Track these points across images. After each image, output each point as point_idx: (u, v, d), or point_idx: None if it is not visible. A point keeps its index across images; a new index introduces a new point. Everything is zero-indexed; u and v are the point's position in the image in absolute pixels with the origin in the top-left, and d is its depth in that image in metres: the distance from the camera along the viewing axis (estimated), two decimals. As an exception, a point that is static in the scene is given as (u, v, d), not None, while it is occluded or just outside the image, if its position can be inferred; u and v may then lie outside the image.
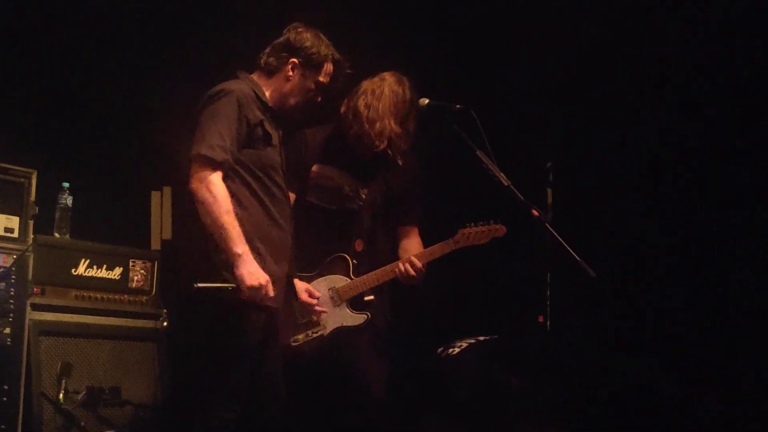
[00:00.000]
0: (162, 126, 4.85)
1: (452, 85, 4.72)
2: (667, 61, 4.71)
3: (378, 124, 4.13)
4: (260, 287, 3.50)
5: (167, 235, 4.91)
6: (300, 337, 4.15)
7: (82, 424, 4.12)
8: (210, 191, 3.52)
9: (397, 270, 4.14)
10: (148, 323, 4.63)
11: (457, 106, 3.73)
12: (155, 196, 4.93)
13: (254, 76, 3.86)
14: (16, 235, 4.19)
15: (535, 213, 3.51)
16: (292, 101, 3.85)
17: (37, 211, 4.26)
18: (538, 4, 4.96)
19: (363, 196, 4.27)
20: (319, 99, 3.90)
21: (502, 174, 3.61)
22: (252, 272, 3.50)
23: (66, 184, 4.50)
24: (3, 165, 4.19)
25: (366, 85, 4.23)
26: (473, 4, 5.14)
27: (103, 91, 5.12)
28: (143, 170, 5.05)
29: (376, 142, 4.15)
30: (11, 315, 4.08)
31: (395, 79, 4.22)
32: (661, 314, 4.66)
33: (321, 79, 3.85)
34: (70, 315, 4.37)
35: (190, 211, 3.66)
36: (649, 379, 4.48)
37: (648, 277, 4.71)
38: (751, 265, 4.44)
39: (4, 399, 4.00)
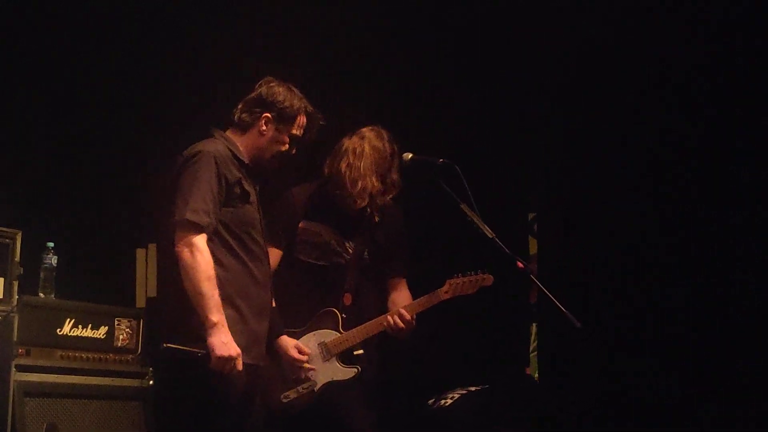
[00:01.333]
0: (145, 182, 4.86)
1: (432, 132, 4.78)
2: (666, 61, 4.73)
3: (360, 183, 4.14)
4: (230, 359, 3.49)
5: (152, 292, 4.93)
6: (290, 393, 4.09)
7: None
8: (194, 256, 3.53)
9: (386, 322, 4.10)
10: (134, 382, 4.60)
11: (441, 160, 3.76)
12: (140, 253, 4.98)
13: (228, 134, 3.86)
14: (0, 296, 4.22)
15: (521, 265, 3.52)
16: (267, 155, 3.86)
17: (22, 272, 4.28)
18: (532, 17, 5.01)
19: (350, 250, 4.26)
20: (294, 152, 3.91)
21: (486, 227, 3.62)
22: (225, 343, 3.50)
23: (50, 244, 4.50)
24: None
25: (347, 144, 4.24)
26: (450, 39, 5.19)
27: (85, 149, 5.17)
28: (128, 228, 5.07)
29: (358, 201, 4.15)
30: None
31: (375, 135, 4.24)
32: (661, 320, 4.62)
33: (294, 131, 3.86)
34: (56, 375, 4.34)
35: (171, 271, 3.65)
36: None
37: (647, 278, 4.68)
38: (751, 266, 4.42)
39: None
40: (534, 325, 3.81)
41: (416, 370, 4.66)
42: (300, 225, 4.26)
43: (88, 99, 5.19)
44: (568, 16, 4.91)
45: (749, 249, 4.43)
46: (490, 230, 3.62)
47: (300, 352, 4.05)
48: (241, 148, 3.83)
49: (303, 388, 4.10)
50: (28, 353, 4.23)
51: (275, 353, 4.04)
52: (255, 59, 4.57)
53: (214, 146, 3.73)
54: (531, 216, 4.05)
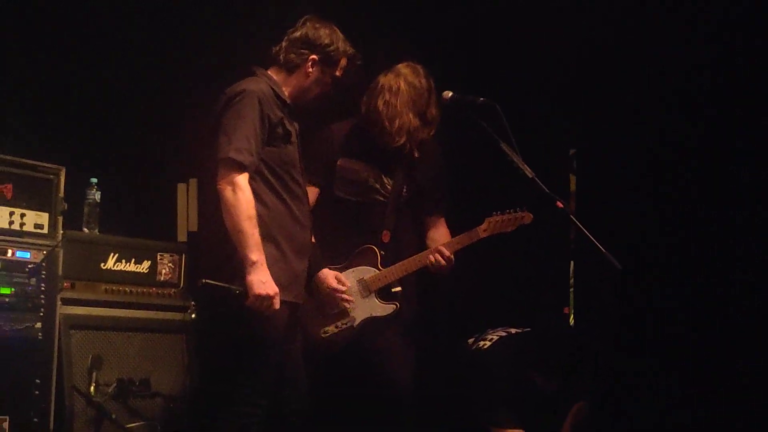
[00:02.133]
0: (186, 118, 4.85)
1: (473, 75, 4.71)
2: (668, 60, 4.61)
3: (398, 121, 4.17)
4: (267, 297, 3.55)
5: (194, 227, 4.91)
6: (329, 328, 4.19)
7: (113, 416, 4.15)
8: (236, 195, 3.58)
9: (426, 260, 4.16)
10: (176, 316, 4.66)
11: (481, 99, 3.73)
12: (181, 188, 4.95)
13: (271, 72, 3.91)
14: (45, 231, 4.24)
15: (560, 204, 3.51)
16: (310, 96, 3.94)
17: (66, 207, 4.30)
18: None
19: (388, 187, 4.30)
20: (332, 91, 3.99)
21: (526, 166, 3.60)
22: (263, 282, 3.55)
23: (94, 180, 4.55)
24: (32, 162, 4.25)
25: (383, 81, 4.26)
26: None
27: (127, 86, 5.17)
28: (169, 163, 5.08)
29: (396, 138, 4.18)
30: (42, 310, 4.14)
31: (410, 71, 4.26)
32: (661, 313, 4.54)
33: (337, 73, 3.94)
34: (100, 309, 4.42)
35: (213, 208, 3.72)
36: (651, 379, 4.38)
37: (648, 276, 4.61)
38: (751, 266, 4.31)
39: (36, 392, 4.07)
40: (572, 262, 3.82)
41: (455, 308, 4.67)
42: (338, 162, 4.30)
43: (131, 35, 5.17)
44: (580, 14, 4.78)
45: (749, 249, 4.31)
46: (530, 170, 3.60)
47: (339, 286, 4.10)
48: (283, 88, 3.87)
49: (342, 323, 4.19)
50: (73, 287, 4.31)
51: (315, 289, 4.12)
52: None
53: (257, 85, 3.77)
54: (572, 152, 4.01)
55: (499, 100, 3.71)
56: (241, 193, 3.58)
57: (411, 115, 4.18)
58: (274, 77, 3.88)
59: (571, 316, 3.72)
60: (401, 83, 4.22)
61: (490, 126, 3.68)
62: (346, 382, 4.30)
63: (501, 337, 4.19)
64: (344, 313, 4.19)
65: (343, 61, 3.93)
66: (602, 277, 3.70)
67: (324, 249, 4.19)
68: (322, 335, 4.19)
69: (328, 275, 4.13)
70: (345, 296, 4.13)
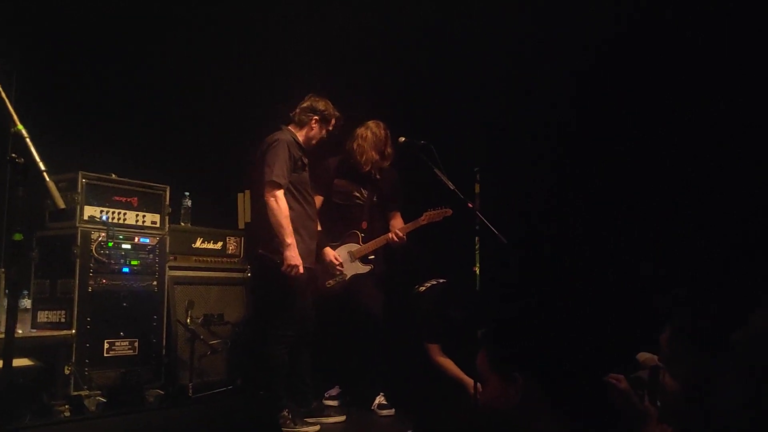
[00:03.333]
0: (244, 153, 4.62)
1: (417, 123, 4.33)
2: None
3: (364, 156, 4.19)
4: (296, 266, 3.68)
5: (248, 219, 4.85)
6: (331, 281, 4.20)
7: (201, 337, 4.17)
8: (277, 203, 3.71)
9: (388, 238, 4.17)
10: (238, 275, 4.67)
11: (422, 142, 3.71)
12: (240, 196, 4.96)
13: (291, 127, 3.97)
14: (158, 225, 4.30)
15: (470, 205, 3.52)
16: (313, 142, 4.00)
17: (170, 210, 4.35)
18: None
19: (364, 195, 4.29)
20: (326, 138, 4.03)
21: (449, 181, 3.64)
22: (293, 256, 3.67)
23: (186, 193, 4.61)
24: (149, 183, 4.28)
25: (357, 131, 4.25)
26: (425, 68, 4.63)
27: (209, 130, 5.03)
28: (232, 181, 4.97)
29: (364, 167, 4.22)
30: (157, 274, 4.21)
31: (374, 125, 4.23)
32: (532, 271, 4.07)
33: (329, 128, 4.01)
34: (192, 272, 4.48)
35: (262, 211, 3.78)
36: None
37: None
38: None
39: (154, 324, 4.16)
40: (477, 238, 3.74)
41: (408, 267, 4.46)
42: (334, 181, 4.29)
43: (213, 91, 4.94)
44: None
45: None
46: (451, 183, 3.63)
47: (335, 258, 4.18)
48: (299, 137, 3.93)
49: (339, 278, 4.21)
50: (175, 259, 4.39)
51: (321, 259, 4.15)
52: (308, 79, 4.39)
53: (285, 136, 3.86)
54: (476, 169, 3.89)
55: (431, 137, 3.67)
56: (280, 202, 3.71)
57: (373, 153, 4.19)
58: (293, 130, 3.96)
59: (477, 273, 3.68)
60: (368, 133, 4.21)
61: (427, 157, 3.68)
62: (340, 313, 4.24)
63: (432, 284, 4.09)
64: (339, 272, 4.19)
65: (333, 121, 4.00)
66: (495, 249, 3.53)
67: (326, 234, 4.22)
68: (327, 286, 4.19)
69: (328, 251, 4.17)
70: (337, 265, 4.15)
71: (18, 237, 1.92)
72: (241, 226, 4.92)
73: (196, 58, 4.80)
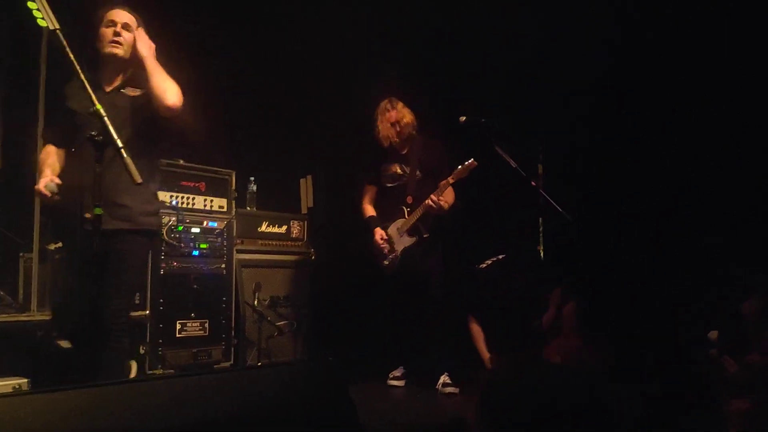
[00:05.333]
0: (306, 140, 4.85)
1: (483, 102, 4.21)
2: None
3: (380, 133, 4.22)
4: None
5: (310, 204, 4.96)
6: (386, 261, 4.16)
7: (268, 318, 4.24)
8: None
9: (426, 206, 3.98)
10: (302, 257, 4.72)
11: (483, 119, 3.60)
12: (303, 182, 5.02)
13: None
14: (225, 209, 4.36)
15: (533, 183, 3.48)
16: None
17: (236, 195, 4.39)
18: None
19: (406, 171, 4.20)
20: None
21: (512, 159, 3.54)
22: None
23: (252, 178, 4.65)
24: (215, 168, 4.34)
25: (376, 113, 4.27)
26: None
27: (272, 114, 5.02)
28: (295, 167, 5.03)
29: (384, 143, 4.20)
30: (225, 257, 4.27)
31: (384, 103, 4.22)
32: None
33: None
34: (259, 255, 4.51)
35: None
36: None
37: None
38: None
39: (223, 305, 4.22)
40: (540, 219, 3.65)
41: (469, 245, 4.35)
42: (380, 167, 4.29)
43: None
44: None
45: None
46: (514, 161, 3.53)
47: (381, 236, 4.15)
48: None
49: (392, 256, 4.15)
50: (242, 242, 4.42)
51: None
52: (372, 65, 4.39)
53: None
54: (540, 150, 3.78)
55: (494, 116, 3.59)
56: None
57: (384, 126, 4.18)
58: None
59: (541, 251, 3.59)
60: (376, 111, 4.24)
61: (489, 135, 3.56)
62: (402, 293, 4.16)
63: (493, 260, 4.02)
64: (391, 249, 4.13)
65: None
66: (559, 227, 3.51)
67: (380, 216, 4.24)
68: (385, 263, 4.16)
69: (376, 231, 4.17)
70: (384, 244, 4.13)
71: (98, 211, 1.98)
72: (304, 210, 4.97)
73: (260, 45, 4.84)
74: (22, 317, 3.44)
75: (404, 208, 4.15)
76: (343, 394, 1.89)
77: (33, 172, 2.82)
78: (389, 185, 4.24)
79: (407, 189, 4.15)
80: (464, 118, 3.73)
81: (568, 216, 3.39)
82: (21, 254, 3.89)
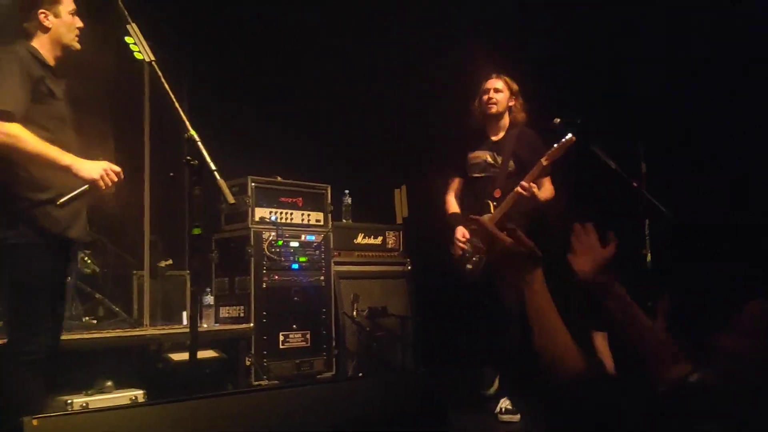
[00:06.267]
0: (400, 153, 4.89)
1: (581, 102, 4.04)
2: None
3: (475, 109, 3.83)
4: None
5: (405, 214, 4.93)
6: (469, 265, 3.71)
7: (367, 329, 4.28)
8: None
9: (516, 195, 3.57)
10: (398, 268, 4.72)
11: (578, 120, 3.45)
12: (397, 192, 5.01)
13: None
14: (322, 223, 4.44)
15: (635, 184, 3.31)
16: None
17: (332, 208, 4.47)
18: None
19: (499, 162, 3.78)
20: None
21: (610, 160, 3.35)
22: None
23: (347, 191, 4.71)
24: (311, 183, 4.42)
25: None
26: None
27: (364, 128, 5.06)
28: (389, 179, 5.02)
29: (478, 120, 3.83)
30: (323, 269, 4.34)
31: (492, 77, 3.83)
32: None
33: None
34: (356, 266, 4.56)
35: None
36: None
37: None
38: None
39: (323, 317, 4.29)
40: (647, 221, 3.49)
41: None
42: (468, 155, 3.85)
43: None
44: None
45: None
46: (613, 162, 3.34)
47: (462, 235, 3.73)
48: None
49: (475, 259, 3.71)
50: (339, 254, 4.48)
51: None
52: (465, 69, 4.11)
53: None
54: (641, 147, 3.59)
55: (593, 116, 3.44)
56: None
57: (476, 102, 3.83)
58: None
59: (648, 256, 3.42)
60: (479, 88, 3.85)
61: (586, 136, 3.40)
62: (476, 306, 3.83)
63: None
64: (476, 251, 3.64)
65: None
66: (665, 229, 3.23)
67: (464, 211, 3.80)
68: (468, 267, 3.72)
69: (458, 229, 3.75)
70: (462, 244, 3.70)
71: (197, 231, 2.06)
72: (399, 220, 4.97)
73: (352, 60, 4.87)
74: (136, 332, 3.62)
75: (490, 202, 3.72)
76: (436, 406, 1.88)
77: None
78: (476, 175, 3.80)
79: (496, 181, 3.72)
80: (558, 119, 3.56)
81: (672, 216, 3.24)
82: (134, 272, 4.10)
